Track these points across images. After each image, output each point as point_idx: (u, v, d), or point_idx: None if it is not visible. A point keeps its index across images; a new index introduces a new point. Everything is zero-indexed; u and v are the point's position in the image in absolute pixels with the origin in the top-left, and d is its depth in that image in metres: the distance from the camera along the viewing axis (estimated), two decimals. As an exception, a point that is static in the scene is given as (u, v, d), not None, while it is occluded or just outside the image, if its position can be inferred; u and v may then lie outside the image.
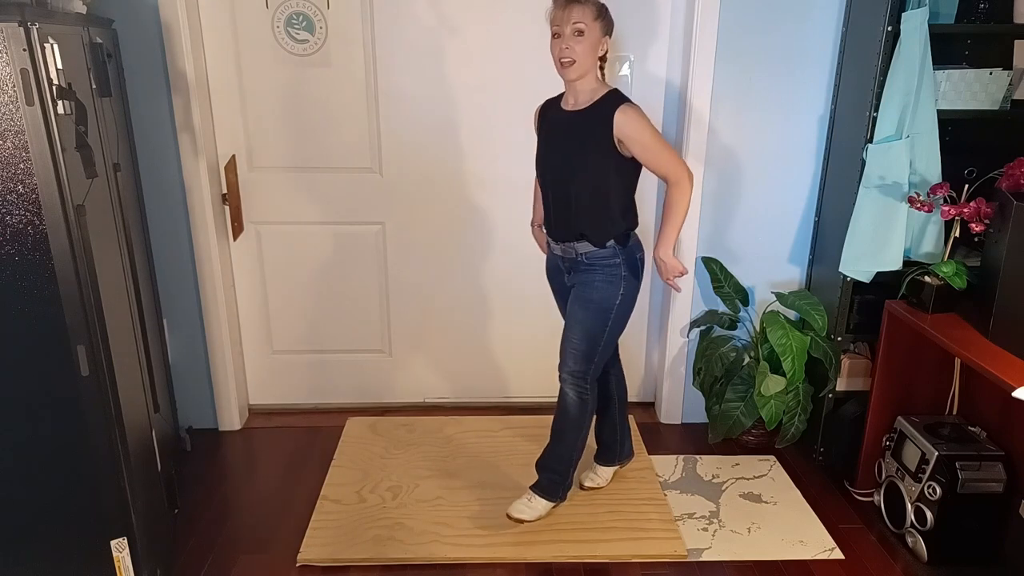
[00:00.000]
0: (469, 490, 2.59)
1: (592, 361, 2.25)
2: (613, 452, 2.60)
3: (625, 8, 2.71)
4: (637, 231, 2.26)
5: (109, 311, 1.89)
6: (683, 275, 2.19)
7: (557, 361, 2.31)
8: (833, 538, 2.39)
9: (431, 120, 2.83)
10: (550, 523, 2.41)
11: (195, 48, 2.62)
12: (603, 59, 2.12)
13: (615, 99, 2.07)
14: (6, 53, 1.55)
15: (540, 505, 2.41)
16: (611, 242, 2.17)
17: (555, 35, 2.04)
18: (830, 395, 2.71)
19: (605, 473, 2.61)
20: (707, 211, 2.83)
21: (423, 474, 2.68)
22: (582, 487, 2.56)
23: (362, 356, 3.15)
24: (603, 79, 2.15)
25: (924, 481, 2.23)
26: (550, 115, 2.22)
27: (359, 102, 2.79)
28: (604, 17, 2.06)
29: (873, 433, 2.54)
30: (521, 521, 2.38)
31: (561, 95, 2.21)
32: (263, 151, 2.85)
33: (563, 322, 2.31)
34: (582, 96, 2.12)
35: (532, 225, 2.53)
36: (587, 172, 2.10)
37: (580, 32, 2.00)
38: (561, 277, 2.33)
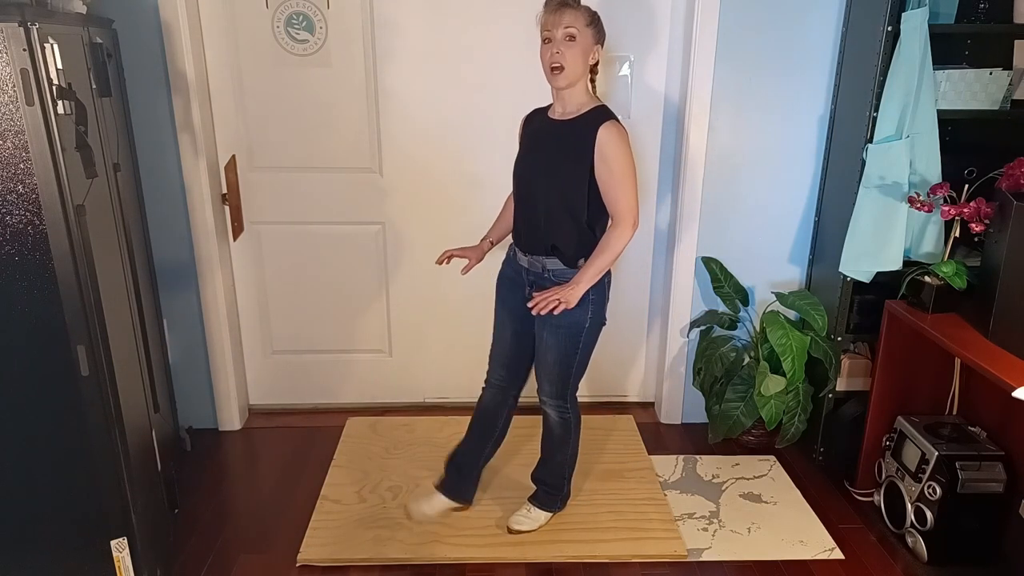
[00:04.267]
0: (469, 490, 2.59)
1: (568, 381, 2.20)
2: (463, 485, 2.41)
3: (625, 8, 2.72)
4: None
5: (109, 311, 1.89)
6: (560, 308, 2.02)
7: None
8: (833, 538, 2.39)
9: (431, 120, 2.83)
10: (550, 523, 2.41)
11: (195, 48, 2.62)
12: (594, 70, 2.06)
13: (603, 114, 2.00)
14: (6, 53, 1.55)
15: (539, 516, 2.40)
16: (581, 261, 2.08)
17: (545, 40, 1.97)
18: (830, 395, 2.71)
19: (436, 502, 2.40)
20: (707, 211, 2.82)
21: (423, 474, 2.68)
22: (407, 511, 2.42)
23: (362, 356, 3.15)
24: (594, 92, 2.09)
25: (924, 481, 2.23)
26: (535, 123, 2.16)
27: (359, 102, 2.79)
28: (596, 24, 1.99)
29: (873, 433, 2.54)
30: (521, 532, 2.37)
31: (549, 105, 2.14)
32: (263, 151, 2.85)
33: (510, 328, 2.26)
34: (570, 106, 2.04)
35: (482, 240, 2.37)
36: (563, 182, 2.02)
37: (571, 37, 1.93)
38: (516, 290, 2.22)
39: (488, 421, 2.37)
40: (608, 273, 2.13)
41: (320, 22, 2.69)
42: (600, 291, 2.12)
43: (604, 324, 2.19)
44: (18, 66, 1.57)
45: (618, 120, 2.00)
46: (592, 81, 2.08)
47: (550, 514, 2.42)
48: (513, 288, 2.25)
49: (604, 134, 1.96)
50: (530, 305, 2.04)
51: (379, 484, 2.62)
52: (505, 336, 2.30)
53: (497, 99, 2.80)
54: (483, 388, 2.39)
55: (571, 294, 2.02)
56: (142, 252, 2.50)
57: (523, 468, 2.67)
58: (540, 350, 2.20)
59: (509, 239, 2.30)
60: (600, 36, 2.02)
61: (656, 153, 2.90)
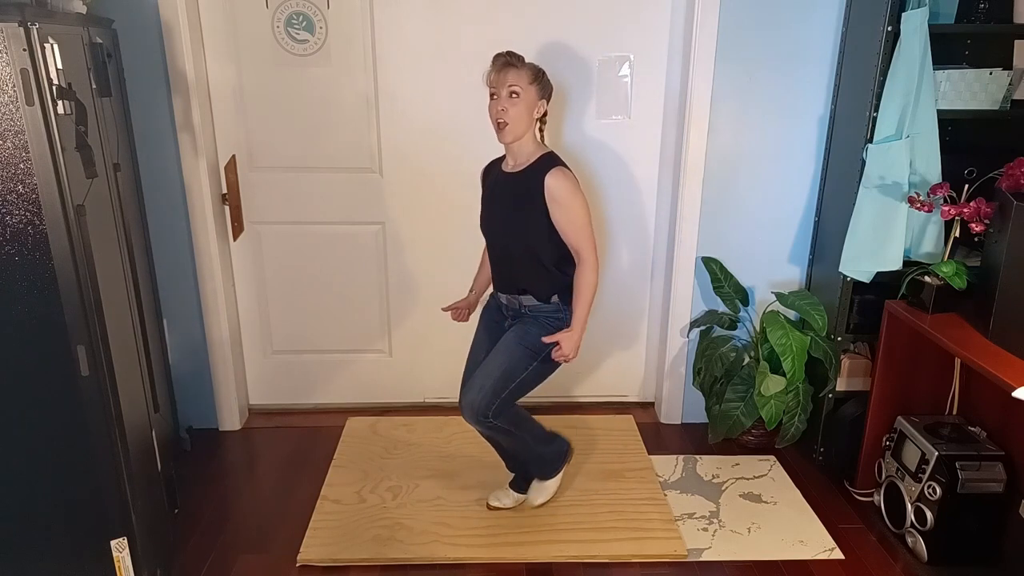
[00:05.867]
0: (469, 490, 2.59)
1: (499, 396, 2.16)
2: (528, 481, 2.49)
3: (625, 8, 2.72)
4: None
5: (109, 311, 1.89)
6: (567, 361, 2.18)
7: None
8: (833, 538, 2.39)
9: (431, 120, 2.83)
10: (550, 523, 2.41)
11: (195, 48, 2.62)
12: (542, 121, 2.16)
13: (548, 162, 2.10)
14: (6, 53, 1.55)
15: (549, 484, 2.47)
16: (555, 298, 2.20)
17: (492, 96, 2.09)
18: (830, 395, 2.71)
19: (515, 497, 2.48)
20: (707, 211, 2.82)
21: (423, 474, 2.68)
22: (488, 506, 2.49)
23: (362, 356, 3.15)
24: (542, 141, 2.19)
25: (924, 481, 2.23)
26: (492, 176, 2.26)
27: (359, 102, 2.79)
28: (540, 81, 2.10)
29: (873, 433, 2.54)
30: (545, 504, 2.46)
31: (503, 157, 2.24)
32: (263, 151, 2.85)
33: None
34: (520, 158, 2.16)
35: (469, 292, 2.51)
36: (522, 232, 2.14)
37: (515, 94, 2.05)
38: (498, 318, 2.34)
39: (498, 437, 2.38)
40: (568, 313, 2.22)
41: (320, 22, 2.69)
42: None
43: (554, 370, 2.26)
44: (18, 66, 1.57)
45: (564, 166, 2.11)
46: (541, 131, 2.19)
47: (556, 477, 2.47)
48: (496, 314, 2.36)
49: (551, 181, 2.07)
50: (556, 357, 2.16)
51: (379, 484, 2.62)
52: (479, 358, 2.31)
53: (497, 99, 2.80)
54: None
55: (569, 344, 2.15)
56: (142, 252, 2.50)
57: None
58: (491, 355, 2.22)
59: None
60: (545, 91, 2.14)
61: (656, 153, 2.90)
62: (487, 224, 2.26)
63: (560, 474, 2.48)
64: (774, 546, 2.35)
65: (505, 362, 2.18)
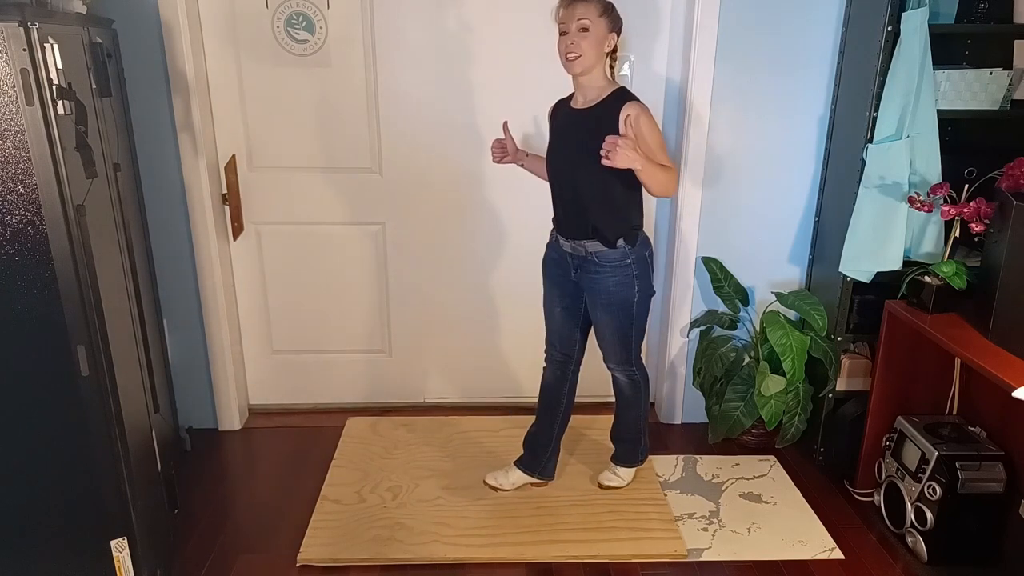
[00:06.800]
0: (469, 490, 2.59)
1: (630, 348, 2.34)
2: (538, 461, 2.55)
3: (625, 8, 2.70)
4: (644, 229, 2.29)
5: (109, 311, 1.89)
6: (616, 146, 1.95)
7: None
8: (833, 538, 2.39)
9: (431, 120, 2.83)
10: (550, 523, 2.41)
11: (195, 48, 2.62)
12: (612, 56, 2.14)
13: (622, 96, 2.10)
14: (6, 53, 1.55)
15: (625, 473, 2.59)
16: (621, 241, 2.19)
17: (562, 33, 2.08)
18: (830, 395, 2.71)
19: (513, 476, 2.56)
20: (707, 211, 2.82)
21: (423, 474, 2.68)
22: (484, 482, 2.58)
23: (362, 356, 3.15)
24: (612, 77, 2.17)
25: (924, 481, 2.23)
26: (560, 114, 2.25)
27: (359, 102, 2.79)
28: (610, 13, 2.08)
29: (873, 433, 2.54)
30: (611, 488, 2.57)
31: (571, 96, 2.23)
32: (263, 151, 2.85)
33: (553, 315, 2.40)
34: (590, 94, 2.14)
35: (520, 150, 2.46)
36: (595, 169, 2.09)
37: (585, 29, 2.04)
38: (563, 271, 2.34)
39: (552, 397, 2.51)
40: (651, 249, 2.29)
41: (320, 22, 2.69)
42: (643, 266, 2.24)
43: (653, 294, 2.31)
44: (18, 66, 1.57)
45: (636, 97, 2.11)
46: (611, 67, 2.16)
47: (634, 469, 2.60)
48: (559, 267, 2.36)
49: (628, 111, 2.06)
50: (603, 152, 1.96)
51: (379, 484, 2.62)
52: (556, 313, 2.42)
53: (497, 99, 2.80)
54: (544, 368, 2.51)
55: (627, 147, 1.93)
56: (142, 252, 2.50)
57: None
58: (598, 328, 2.34)
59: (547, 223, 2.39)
60: (615, 24, 2.10)
61: (656, 153, 2.89)
62: (556, 163, 2.23)
63: (632, 472, 2.61)
64: (774, 546, 2.35)
65: (612, 332, 2.30)
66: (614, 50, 2.13)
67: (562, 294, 2.37)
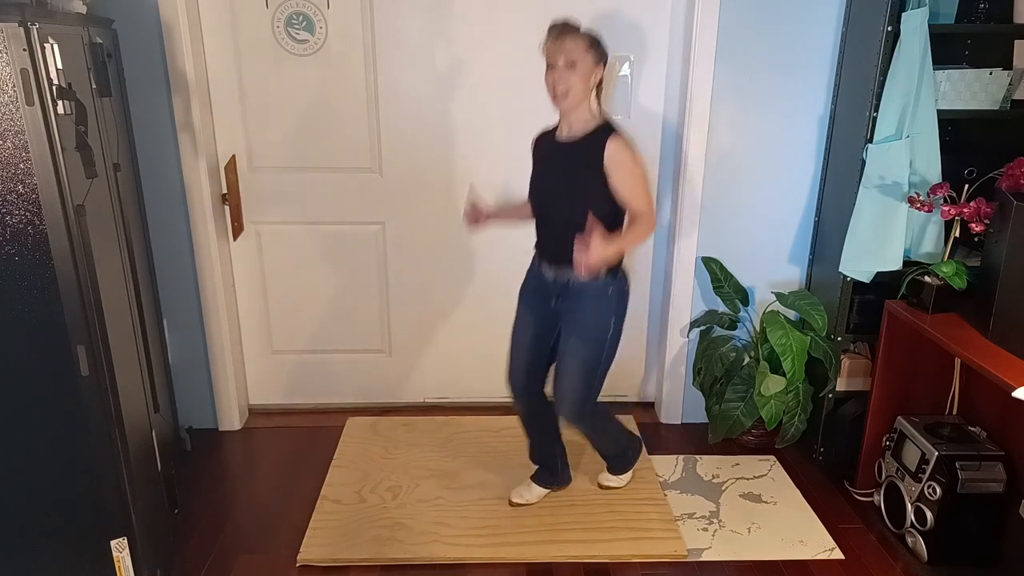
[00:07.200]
0: (469, 490, 2.59)
1: (589, 392, 2.26)
2: (552, 474, 2.55)
3: (625, 8, 2.72)
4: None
5: (109, 311, 1.89)
6: (585, 266, 1.99)
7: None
8: (833, 538, 2.39)
9: (431, 120, 2.83)
10: (550, 523, 2.41)
11: (195, 48, 2.62)
12: (599, 88, 2.14)
13: (607, 130, 2.09)
14: (6, 53, 1.55)
15: (621, 478, 2.62)
16: (603, 270, 2.16)
17: (549, 66, 2.06)
18: (830, 395, 2.71)
19: (536, 491, 2.54)
20: (707, 211, 2.83)
21: (423, 474, 2.68)
22: (510, 503, 2.53)
23: (362, 356, 3.15)
24: (599, 108, 2.16)
25: (924, 481, 2.23)
26: (544, 145, 2.24)
27: (359, 102, 2.79)
28: (596, 48, 2.07)
29: (873, 433, 2.54)
30: (611, 488, 2.61)
31: (556, 126, 2.22)
32: (263, 151, 2.85)
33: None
34: (576, 127, 2.13)
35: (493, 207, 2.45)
36: (581, 200, 2.10)
37: (572, 64, 2.02)
38: (542, 298, 2.29)
39: (535, 419, 2.47)
40: (628, 284, 2.24)
41: (320, 22, 2.69)
42: (621, 301, 2.22)
43: (620, 337, 2.26)
44: (18, 66, 1.57)
45: (621, 132, 2.09)
46: (598, 98, 2.15)
47: (630, 473, 2.62)
48: (538, 294, 2.31)
49: (612, 148, 2.05)
50: (575, 268, 2.01)
51: (379, 484, 2.62)
52: (525, 341, 2.34)
53: (497, 99, 2.80)
54: (512, 401, 2.44)
55: (597, 249, 1.96)
56: (142, 252, 2.50)
57: (523, 468, 2.66)
58: (565, 362, 2.24)
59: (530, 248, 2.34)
60: (601, 57, 2.09)
61: (656, 153, 2.89)
62: (540, 194, 2.22)
63: (630, 475, 2.62)
64: (774, 546, 2.35)
65: (579, 364, 2.21)
66: (600, 82, 2.13)
67: (536, 321, 2.31)
